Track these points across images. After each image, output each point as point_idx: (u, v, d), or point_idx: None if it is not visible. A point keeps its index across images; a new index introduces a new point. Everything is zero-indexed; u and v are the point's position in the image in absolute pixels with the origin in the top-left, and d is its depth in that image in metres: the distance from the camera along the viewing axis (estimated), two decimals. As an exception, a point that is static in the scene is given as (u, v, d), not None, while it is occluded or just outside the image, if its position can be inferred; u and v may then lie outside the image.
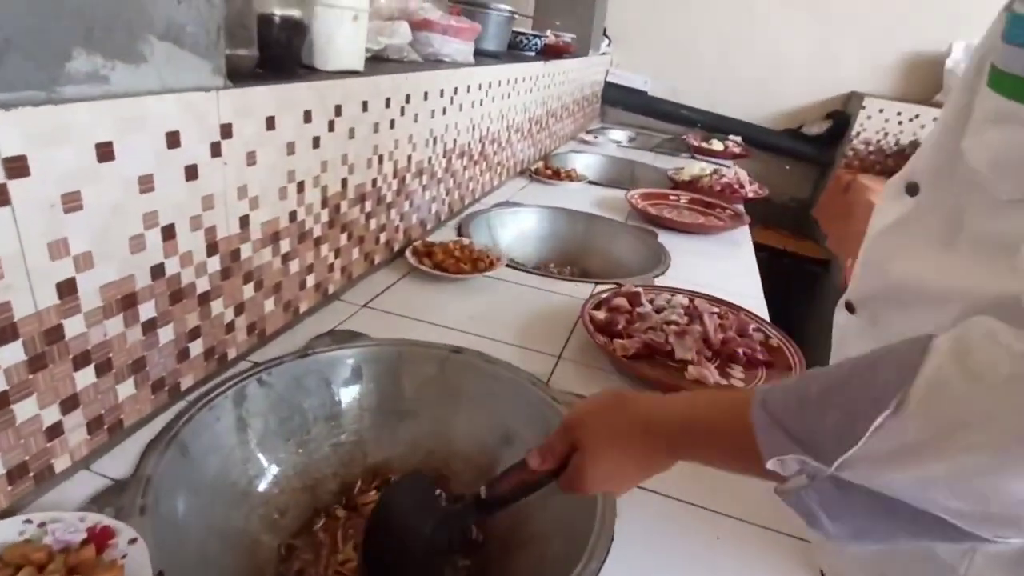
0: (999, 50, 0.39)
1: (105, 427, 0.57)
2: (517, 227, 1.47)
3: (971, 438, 0.30)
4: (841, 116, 2.68)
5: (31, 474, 0.51)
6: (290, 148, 0.73)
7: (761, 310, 1.10)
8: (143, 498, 0.54)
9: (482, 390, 0.81)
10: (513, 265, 1.15)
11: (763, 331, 0.95)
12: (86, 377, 0.53)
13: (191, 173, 0.59)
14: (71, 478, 0.55)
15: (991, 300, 0.38)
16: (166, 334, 0.61)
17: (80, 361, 0.52)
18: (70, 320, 0.50)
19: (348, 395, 0.79)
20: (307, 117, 0.74)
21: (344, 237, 0.91)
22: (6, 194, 0.43)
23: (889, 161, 2.61)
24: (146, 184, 0.54)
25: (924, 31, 2.55)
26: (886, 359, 0.35)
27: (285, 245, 0.77)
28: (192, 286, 0.63)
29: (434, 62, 1.16)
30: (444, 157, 1.21)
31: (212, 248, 0.65)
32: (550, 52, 1.93)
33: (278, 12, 0.71)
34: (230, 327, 0.71)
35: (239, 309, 0.72)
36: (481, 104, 1.33)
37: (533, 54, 1.81)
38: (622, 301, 0.96)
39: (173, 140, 0.56)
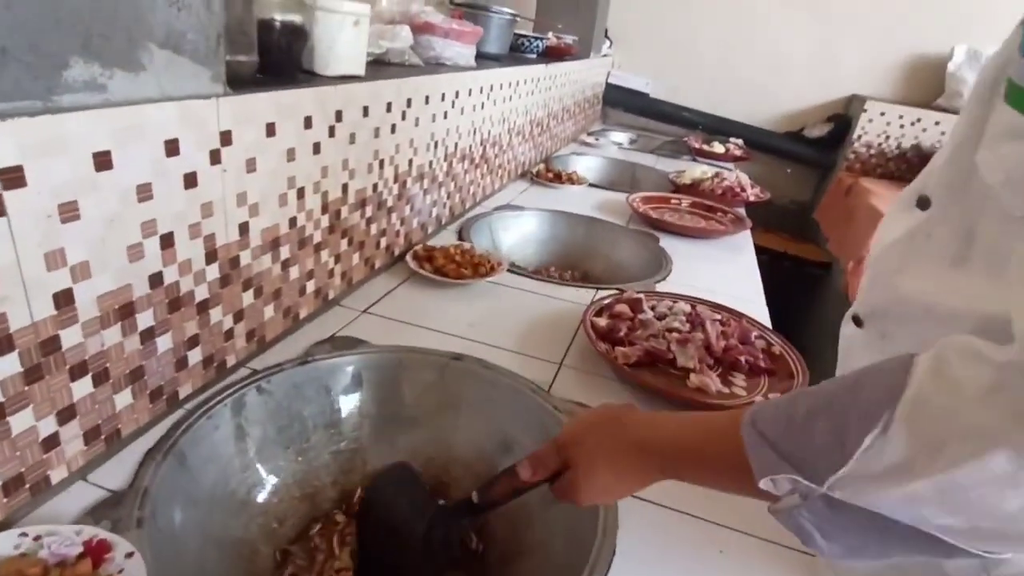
0: (1016, 64, 0.38)
1: (102, 437, 0.56)
2: (518, 231, 1.46)
3: (956, 452, 0.30)
4: (842, 119, 2.68)
5: (27, 486, 0.50)
6: (290, 154, 0.72)
7: (763, 316, 1.09)
8: (140, 510, 0.53)
9: (482, 397, 0.80)
10: (514, 270, 1.15)
11: (765, 338, 0.94)
12: (83, 387, 0.53)
13: (190, 181, 0.58)
14: (68, 489, 0.54)
15: (1001, 321, 0.38)
16: (164, 343, 0.61)
17: (77, 371, 0.52)
18: (67, 331, 0.50)
19: (348, 402, 0.79)
20: (307, 123, 0.74)
21: (344, 242, 0.91)
22: (2, 205, 0.43)
23: (891, 164, 2.60)
24: (144, 193, 0.54)
25: (926, 34, 2.54)
26: (872, 378, 0.35)
27: (285, 251, 0.77)
28: (191, 294, 0.63)
29: (435, 66, 1.15)
30: (445, 161, 1.20)
31: (211, 256, 0.64)
32: (552, 54, 1.92)
33: (279, 17, 0.70)
34: (229, 334, 0.71)
35: (238, 316, 0.71)
36: (482, 107, 1.32)
37: (535, 56, 1.81)
38: (624, 308, 0.96)
39: (172, 148, 0.55)
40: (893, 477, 0.32)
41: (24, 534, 0.47)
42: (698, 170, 1.95)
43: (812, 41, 2.69)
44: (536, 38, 1.79)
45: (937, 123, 2.49)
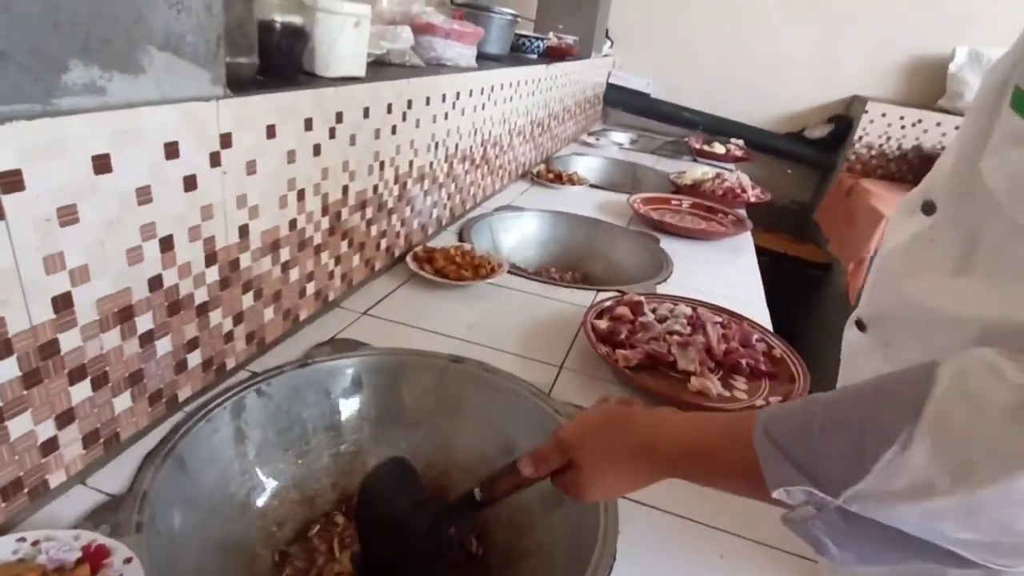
0: (1022, 70, 0.38)
1: (101, 441, 0.56)
2: (519, 231, 1.46)
3: (979, 472, 0.30)
4: (843, 120, 2.67)
5: (25, 490, 0.50)
6: (290, 156, 0.72)
7: (764, 318, 1.09)
8: (139, 514, 0.53)
9: (482, 400, 0.80)
10: (515, 271, 1.14)
11: (766, 341, 0.94)
12: (82, 391, 0.53)
13: (190, 184, 0.58)
14: (66, 493, 0.54)
15: (1008, 327, 0.37)
16: (164, 346, 0.61)
17: (76, 375, 0.52)
18: (66, 334, 0.50)
19: (348, 405, 0.79)
20: (308, 125, 0.74)
21: (345, 244, 0.91)
22: (0, 209, 0.42)
23: (891, 166, 2.60)
24: (144, 196, 0.53)
25: (927, 35, 2.54)
26: (890, 390, 0.34)
27: (285, 253, 0.77)
28: (190, 297, 0.62)
29: (436, 66, 1.15)
30: (446, 162, 1.20)
31: (211, 258, 0.64)
32: (553, 54, 1.92)
33: (279, 19, 0.70)
34: (229, 337, 0.70)
35: (238, 318, 0.71)
36: (483, 108, 1.32)
37: (535, 57, 1.80)
38: (624, 310, 0.95)
39: (172, 151, 0.55)
40: (912, 494, 0.31)
41: (22, 539, 0.47)
42: (699, 171, 1.95)
43: (813, 41, 2.69)
44: (537, 38, 1.79)
45: (938, 124, 2.49)
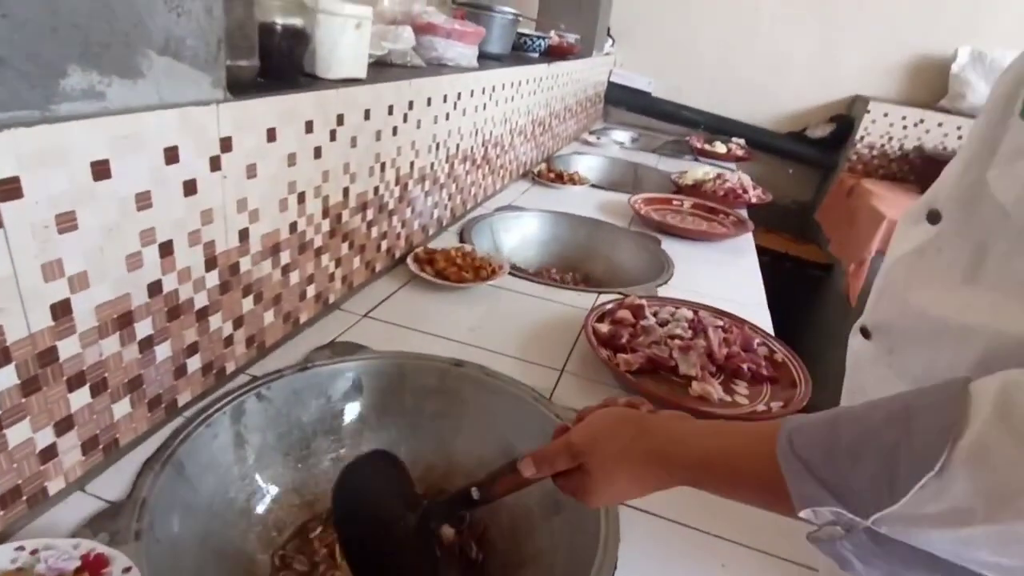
0: None
1: (100, 447, 0.56)
2: (519, 232, 1.46)
3: (1021, 503, 0.29)
4: (845, 119, 2.67)
5: (24, 498, 0.50)
6: (291, 159, 0.72)
7: (765, 320, 1.09)
8: (138, 522, 0.53)
9: (483, 404, 0.80)
10: (515, 273, 1.14)
11: (768, 345, 0.94)
12: (81, 398, 0.52)
13: (190, 188, 0.58)
14: (65, 500, 0.54)
15: (1015, 340, 0.37)
16: (163, 351, 0.60)
17: (75, 382, 0.51)
18: (64, 341, 0.49)
19: (348, 409, 0.78)
20: (308, 127, 0.73)
21: (345, 246, 0.90)
22: (-2, 217, 0.42)
23: (893, 166, 2.59)
24: (143, 201, 0.53)
25: (930, 35, 2.53)
26: (923, 410, 0.33)
27: (285, 257, 0.76)
28: (190, 302, 0.62)
29: (438, 66, 1.14)
30: (447, 162, 1.19)
31: (211, 263, 0.63)
32: (554, 53, 1.91)
33: (280, 21, 0.69)
34: (229, 341, 0.70)
35: (238, 322, 0.71)
36: (484, 108, 1.31)
37: (537, 55, 1.79)
38: (626, 314, 0.95)
39: (171, 156, 0.54)
40: (948, 520, 0.31)
41: (21, 547, 0.47)
42: (700, 171, 1.94)
43: (814, 41, 2.68)
44: (538, 37, 1.78)
45: (940, 124, 2.48)
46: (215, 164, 0.60)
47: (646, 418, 0.49)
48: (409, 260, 1.07)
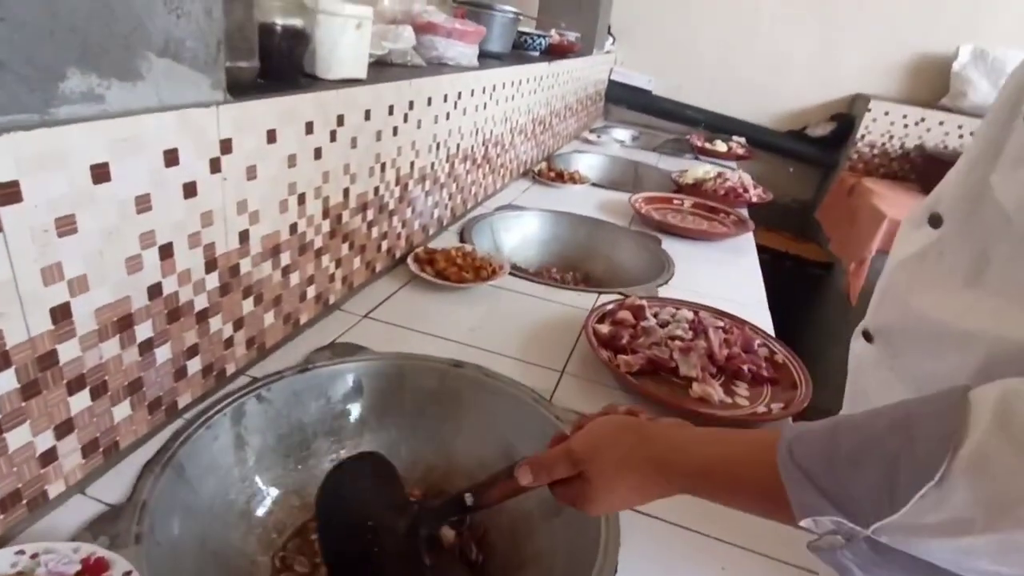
0: None
1: (100, 450, 0.56)
2: (520, 231, 1.45)
3: (1022, 514, 0.29)
4: (846, 118, 2.66)
5: (24, 501, 0.50)
6: (291, 160, 0.71)
7: (765, 320, 1.09)
8: (139, 525, 0.53)
9: (483, 406, 0.80)
10: (516, 273, 1.14)
11: (768, 346, 0.94)
12: (81, 401, 0.52)
13: (189, 190, 0.57)
14: (65, 503, 0.54)
15: (1018, 346, 0.37)
16: (163, 353, 0.60)
17: (75, 386, 0.51)
18: (64, 345, 0.49)
19: (348, 410, 0.78)
20: (308, 128, 0.73)
21: (345, 247, 0.90)
22: (-2, 221, 0.42)
23: (894, 164, 2.59)
24: (143, 204, 0.53)
25: (931, 33, 2.52)
26: (923, 419, 0.33)
27: (285, 258, 0.76)
28: (190, 304, 0.62)
29: (438, 66, 1.14)
30: (447, 162, 1.19)
31: (211, 265, 0.63)
32: (555, 51, 1.90)
33: (280, 21, 0.69)
34: (229, 342, 0.70)
35: (238, 324, 0.71)
36: (485, 107, 1.31)
37: (537, 54, 1.79)
38: (626, 315, 0.95)
39: (171, 158, 0.54)
40: (948, 530, 0.31)
41: (21, 551, 0.46)
42: (700, 170, 1.94)
43: (815, 39, 2.67)
44: (539, 35, 1.77)
45: (941, 123, 2.47)
46: (215, 166, 0.60)
47: (646, 426, 0.48)
48: (409, 260, 1.06)
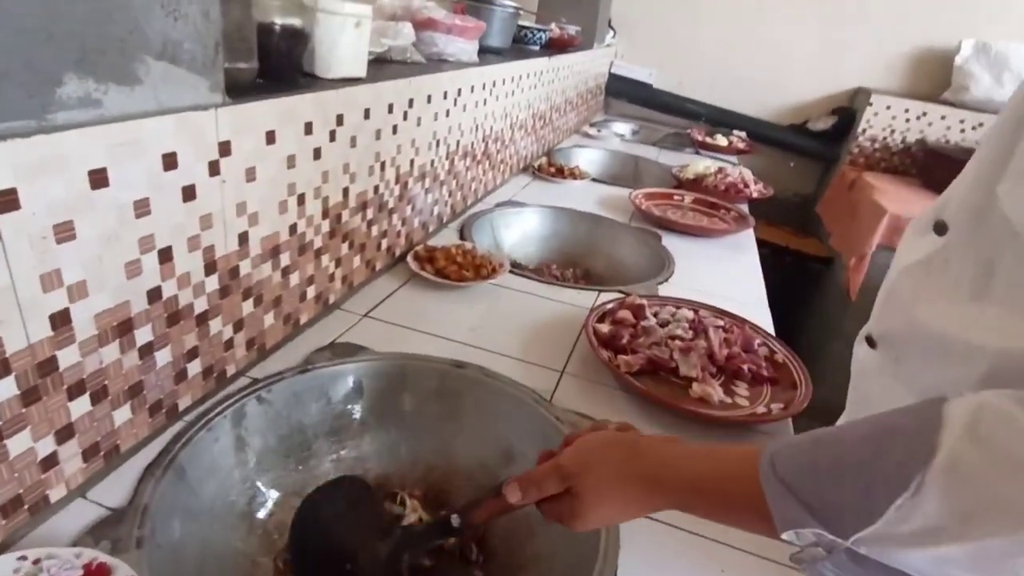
0: None
1: (101, 454, 0.56)
2: (520, 228, 1.45)
3: (991, 522, 0.29)
4: (847, 112, 2.65)
5: (26, 506, 0.50)
6: (290, 161, 0.71)
7: (765, 317, 1.09)
8: (140, 529, 0.53)
9: (484, 406, 0.80)
10: (516, 271, 1.14)
11: (768, 346, 0.94)
12: (81, 406, 0.52)
13: (188, 194, 0.57)
14: (67, 507, 0.54)
15: (1021, 358, 0.37)
16: (163, 357, 0.60)
17: (75, 391, 0.51)
18: (64, 351, 0.49)
19: (349, 411, 0.78)
20: (308, 129, 0.72)
21: (345, 246, 0.90)
22: (-4, 229, 0.42)
23: (895, 159, 2.58)
24: (142, 208, 0.52)
25: (933, 26, 2.51)
26: (900, 432, 0.34)
27: (285, 259, 0.76)
28: (190, 307, 0.62)
29: (438, 62, 1.13)
30: (447, 159, 1.18)
31: (210, 267, 0.63)
32: (555, 45, 1.89)
33: (278, 21, 0.68)
34: (229, 344, 0.70)
35: (238, 326, 0.71)
36: (485, 104, 1.30)
37: (538, 48, 1.78)
38: (626, 314, 0.95)
39: (170, 162, 0.54)
40: (921, 539, 0.31)
41: (23, 557, 0.47)
42: (701, 164, 1.93)
43: (817, 32, 2.66)
44: (539, 30, 1.76)
45: (943, 117, 2.46)
46: (214, 169, 0.59)
47: (636, 442, 0.49)
48: (409, 258, 1.06)
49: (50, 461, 0.51)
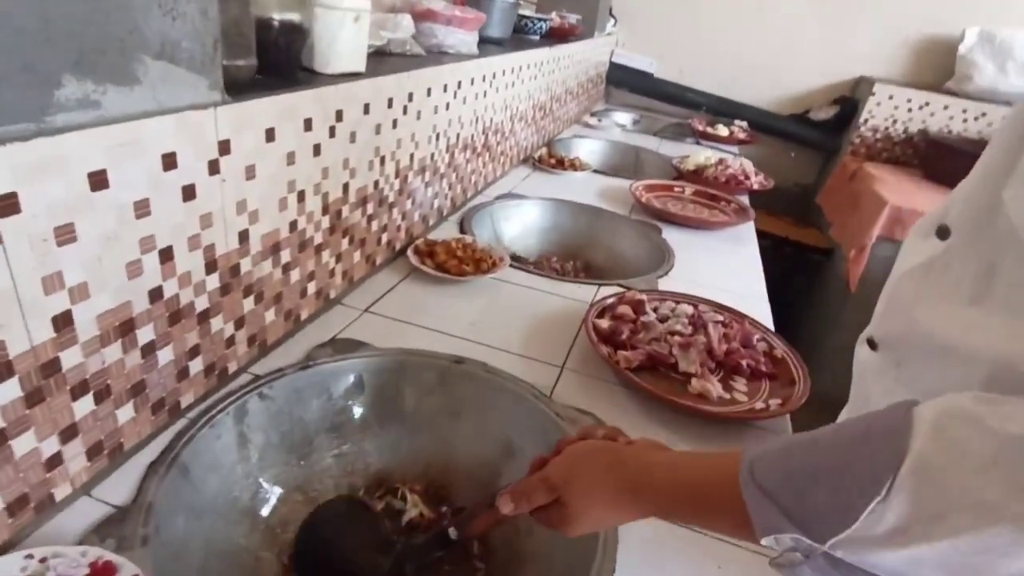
0: None
1: (105, 452, 0.56)
2: (520, 220, 1.45)
3: (955, 522, 0.30)
4: (849, 102, 2.63)
5: (31, 505, 0.50)
6: (290, 158, 0.71)
7: (764, 311, 1.09)
8: (145, 527, 0.53)
9: (484, 402, 0.80)
10: (516, 264, 1.14)
11: (767, 341, 0.94)
12: (85, 406, 0.53)
13: (188, 193, 0.57)
14: (72, 506, 0.54)
15: (1021, 361, 0.37)
16: (165, 355, 0.60)
17: (78, 391, 0.51)
18: (67, 352, 0.49)
19: (349, 406, 0.79)
20: (307, 125, 0.72)
21: (345, 242, 0.90)
22: (-3, 233, 0.42)
23: (897, 149, 2.57)
24: (142, 209, 0.52)
25: (937, 15, 2.49)
26: (873, 435, 0.34)
27: (286, 255, 0.76)
28: (191, 305, 0.62)
29: (438, 54, 1.13)
30: (447, 152, 1.18)
31: (211, 266, 0.63)
32: (556, 35, 1.88)
33: (277, 16, 0.68)
34: (230, 341, 0.70)
35: (239, 323, 0.71)
36: (485, 96, 1.29)
37: (538, 38, 1.76)
38: (626, 309, 0.95)
39: (169, 162, 0.54)
40: (892, 540, 0.32)
41: (30, 556, 0.47)
42: (702, 155, 1.92)
43: (819, 21, 2.63)
44: (539, 19, 1.75)
45: (946, 107, 2.45)
46: (214, 167, 0.59)
47: (621, 449, 0.50)
48: (410, 252, 1.06)
49: (54, 461, 0.51)
